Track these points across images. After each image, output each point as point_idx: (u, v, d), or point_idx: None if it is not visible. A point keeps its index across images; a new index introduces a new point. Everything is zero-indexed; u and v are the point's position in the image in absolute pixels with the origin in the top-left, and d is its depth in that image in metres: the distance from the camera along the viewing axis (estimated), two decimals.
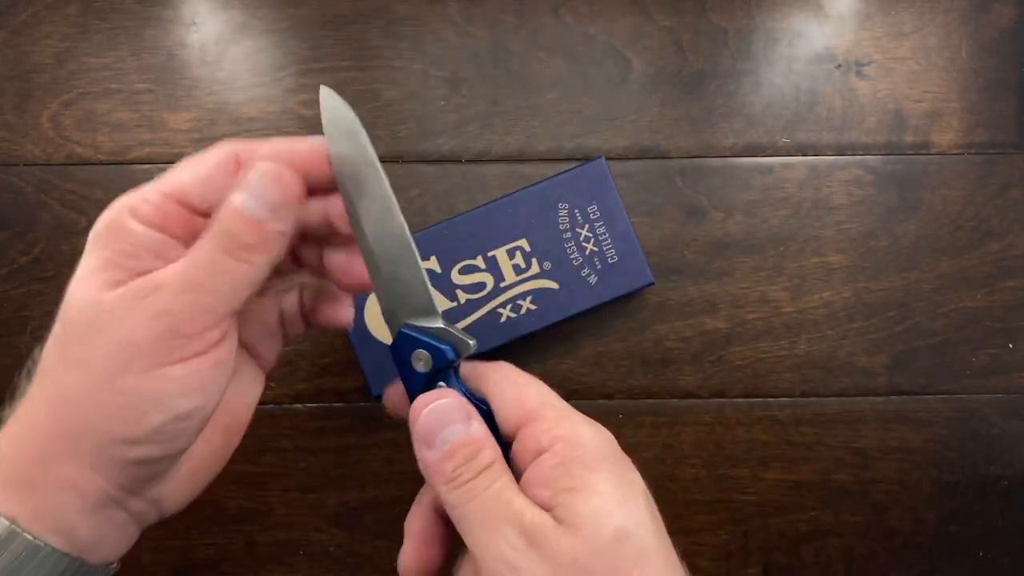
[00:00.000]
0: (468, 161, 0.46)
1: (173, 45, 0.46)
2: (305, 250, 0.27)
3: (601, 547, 0.22)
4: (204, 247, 0.22)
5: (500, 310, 0.41)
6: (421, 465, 0.25)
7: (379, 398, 0.41)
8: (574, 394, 0.46)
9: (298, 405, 0.45)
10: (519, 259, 0.41)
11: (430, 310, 0.26)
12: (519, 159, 0.46)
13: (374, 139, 0.46)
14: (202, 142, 0.46)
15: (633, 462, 0.25)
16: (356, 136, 0.25)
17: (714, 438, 0.45)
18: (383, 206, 0.25)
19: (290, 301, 0.28)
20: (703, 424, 0.45)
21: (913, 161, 0.47)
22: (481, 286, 0.41)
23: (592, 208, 0.42)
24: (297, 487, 0.45)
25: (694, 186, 0.46)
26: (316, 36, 0.47)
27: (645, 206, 0.46)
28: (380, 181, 0.25)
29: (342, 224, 0.25)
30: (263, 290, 0.25)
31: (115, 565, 0.25)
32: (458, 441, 0.24)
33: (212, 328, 0.23)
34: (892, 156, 0.47)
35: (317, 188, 0.25)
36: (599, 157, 0.42)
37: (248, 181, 0.23)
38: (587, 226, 0.42)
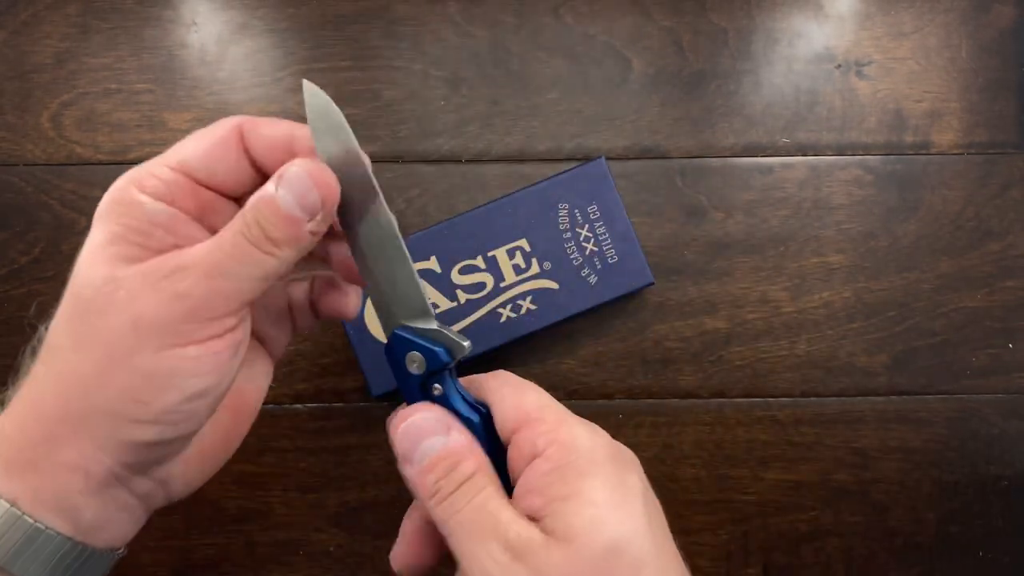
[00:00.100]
0: (468, 161, 0.46)
1: (173, 45, 0.46)
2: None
3: (592, 561, 0.21)
4: (231, 233, 0.22)
5: (500, 310, 0.41)
6: (407, 483, 0.25)
7: (379, 398, 0.41)
8: (574, 394, 0.46)
9: (298, 405, 0.45)
10: (519, 259, 0.41)
11: (424, 311, 0.25)
12: (519, 159, 0.46)
13: (374, 139, 0.47)
14: None
15: None
16: (342, 132, 0.24)
17: (714, 438, 0.45)
18: (371, 205, 0.24)
19: (300, 290, 0.28)
20: (703, 424, 0.45)
21: (913, 161, 0.47)
22: (481, 286, 0.41)
23: (592, 208, 0.42)
24: (297, 487, 0.45)
25: (694, 186, 0.46)
26: (316, 36, 0.47)
27: (645, 206, 0.46)
28: (367, 179, 0.24)
29: (335, 221, 0.25)
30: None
31: (121, 551, 0.24)
32: (436, 455, 0.24)
33: (231, 314, 0.22)
34: (892, 156, 0.47)
35: None
36: (599, 157, 0.42)
37: (289, 176, 0.22)
38: (587, 226, 0.42)
